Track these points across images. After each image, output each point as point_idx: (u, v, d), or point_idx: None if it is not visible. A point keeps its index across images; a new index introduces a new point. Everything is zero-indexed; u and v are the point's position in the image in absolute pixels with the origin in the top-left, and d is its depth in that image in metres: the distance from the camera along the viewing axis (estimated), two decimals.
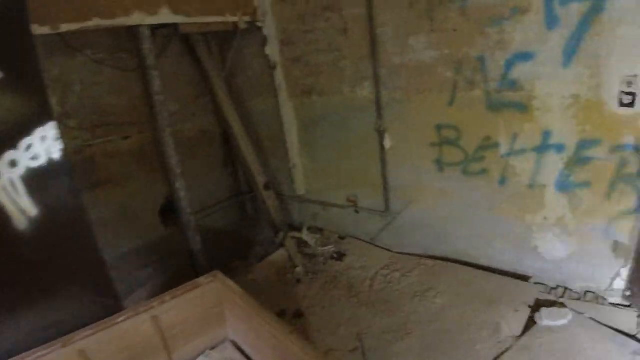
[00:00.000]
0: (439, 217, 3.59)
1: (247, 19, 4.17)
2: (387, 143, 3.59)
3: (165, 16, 3.61)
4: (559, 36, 2.71)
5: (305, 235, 4.31)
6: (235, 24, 4.12)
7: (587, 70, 2.69)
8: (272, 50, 4.24)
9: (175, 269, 4.17)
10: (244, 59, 4.51)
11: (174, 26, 3.71)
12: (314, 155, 4.30)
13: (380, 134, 3.59)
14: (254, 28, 4.25)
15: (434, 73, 3.17)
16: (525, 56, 2.83)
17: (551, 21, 2.71)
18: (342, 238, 4.30)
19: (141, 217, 4.20)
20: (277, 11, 4.14)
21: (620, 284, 3.09)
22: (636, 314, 3.02)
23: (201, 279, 2.97)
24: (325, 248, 4.17)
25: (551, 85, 2.82)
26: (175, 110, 4.40)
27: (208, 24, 3.97)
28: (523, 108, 2.94)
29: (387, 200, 3.81)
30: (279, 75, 4.28)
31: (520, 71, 2.87)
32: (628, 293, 3.08)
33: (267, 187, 4.48)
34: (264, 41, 4.26)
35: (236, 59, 4.55)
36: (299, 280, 3.83)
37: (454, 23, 3.02)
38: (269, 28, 4.21)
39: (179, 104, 4.48)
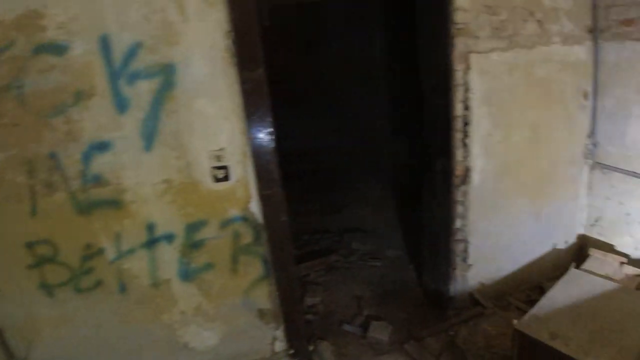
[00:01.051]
0: (72, 347, 2.86)
1: None
2: None
3: None
4: (134, 119, 2.38)
5: None
6: None
7: (172, 152, 2.43)
8: None
9: None
10: None
11: None
12: None
13: None
14: None
15: (4, 179, 2.44)
16: (102, 146, 2.40)
17: (121, 104, 2.36)
18: None
19: None
20: None
21: (281, 345, 3.05)
22: None
23: None
24: None
25: (139, 173, 2.46)
26: None
27: None
28: (116, 204, 2.50)
29: (4, 345, 2.86)
30: None
31: (101, 163, 2.43)
32: (292, 351, 3.07)
33: None
34: None
35: None
36: None
37: (14, 116, 2.36)
38: None
39: None
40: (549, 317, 2.81)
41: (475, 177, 3.11)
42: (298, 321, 3.02)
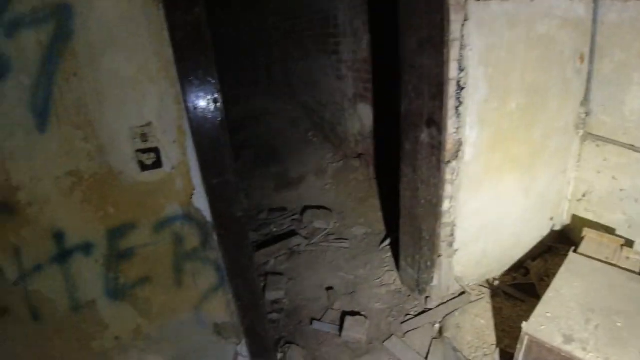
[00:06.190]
0: None
1: None
2: None
3: None
4: (19, 86, 1.47)
5: None
6: None
7: (77, 131, 1.52)
8: None
9: None
10: None
11: None
12: None
13: None
14: None
15: None
16: None
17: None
18: None
19: None
20: None
21: None
22: None
23: None
24: None
25: (33, 163, 1.56)
26: None
27: None
28: (7, 208, 1.59)
29: None
30: None
31: None
32: None
33: None
34: None
35: None
36: None
37: None
38: None
39: None
40: (559, 315, 2.19)
41: (467, 152, 2.34)
42: (263, 332, 2.22)
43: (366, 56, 3.95)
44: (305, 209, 4.24)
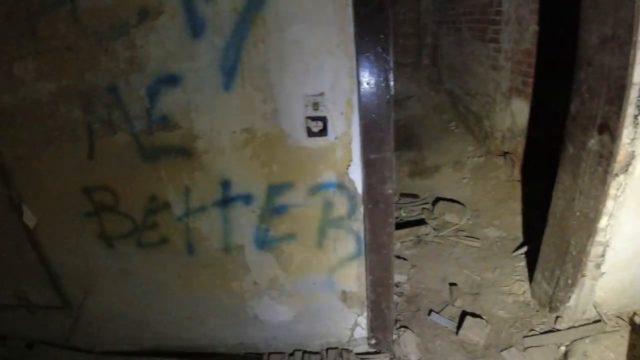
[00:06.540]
0: (131, 303, 2.32)
1: None
2: (30, 219, 2.13)
3: None
4: (211, 47, 1.65)
5: None
6: None
7: (257, 93, 1.66)
8: None
9: None
10: None
11: None
12: None
13: (16, 207, 2.09)
14: None
15: (57, 114, 1.84)
16: (171, 79, 1.71)
17: (196, 25, 1.63)
18: (29, 347, 2.70)
19: None
20: None
21: (361, 332, 2.36)
22: (388, 358, 2.43)
23: None
24: None
25: (215, 117, 1.74)
26: None
27: None
28: (186, 152, 1.81)
29: (60, 293, 2.38)
30: None
31: (169, 101, 1.73)
32: (373, 341, 2.38)
33: None
34: None
35: None
36: None
37: (67, 38, 1.71)
38: None
39: None
40: None
41: (639, 167, 2.07)
42: (386, 311, 2.24)
43: (530, 47, 3.67)
44: (438, 199, 4.15)
